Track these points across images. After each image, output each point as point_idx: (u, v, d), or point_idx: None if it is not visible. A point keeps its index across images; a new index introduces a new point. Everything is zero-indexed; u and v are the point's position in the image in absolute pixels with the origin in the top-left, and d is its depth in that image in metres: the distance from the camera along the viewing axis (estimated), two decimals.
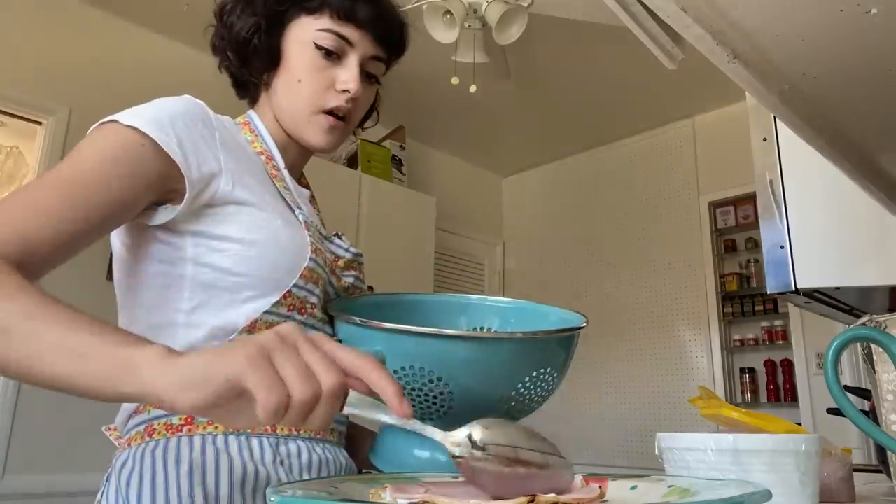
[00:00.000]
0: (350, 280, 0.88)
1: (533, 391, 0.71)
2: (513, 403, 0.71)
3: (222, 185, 0.74)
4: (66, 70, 3.09)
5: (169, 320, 0.74)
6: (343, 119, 0.84)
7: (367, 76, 0.85)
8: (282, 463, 0.73)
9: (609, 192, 4.54)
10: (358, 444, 0.90)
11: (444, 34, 2.40)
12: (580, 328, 0.75)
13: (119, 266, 0.80)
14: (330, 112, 0.83)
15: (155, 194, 0.71)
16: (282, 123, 0.85)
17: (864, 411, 0.74)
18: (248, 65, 0.85)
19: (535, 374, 0.70)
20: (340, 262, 0.87)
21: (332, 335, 0.79)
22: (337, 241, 0.89)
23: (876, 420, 0.75)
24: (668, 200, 4.25)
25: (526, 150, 4.80)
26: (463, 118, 4.28)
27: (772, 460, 0.48)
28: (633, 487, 0.47)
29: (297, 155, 0.89)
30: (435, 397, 0.68)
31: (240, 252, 0.73)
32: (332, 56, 0.82)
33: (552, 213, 4.84)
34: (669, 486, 0.45)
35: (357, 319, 0.72)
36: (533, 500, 0.37)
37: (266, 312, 0.73)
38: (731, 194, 3.95)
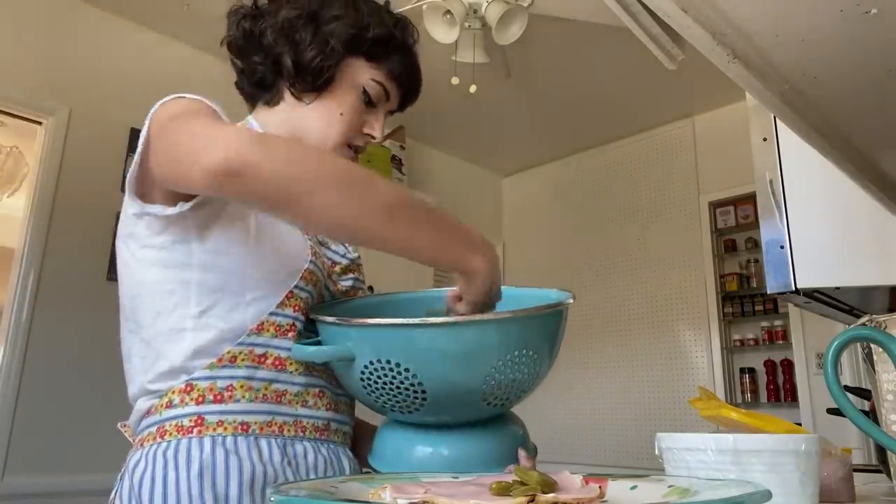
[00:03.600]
0: (348, 283, 0.92)
1: (510, 376, 0.70)
2: (488, 390, 0.70)
3: None
4: (66, 70, 3.08)
5: (178, 325, 0.76)
6: (356, 153, 0.92)
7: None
8: (289, 463, 0.76)
9: (609, 192, 4.54)
10: (361, 443, 0.91)
11: (444, 34, 2.40)
12: (552, 307, 0.74)
13: (125, 273, 0.81)
14: (351, 148, 0.90)
15: None
16: (302, 136, 0.87)
17: (864, 411, 0.74)
18: (298, 78, 0.85)
19: (507, 357, 0.69)
20: (337, 268, 0.91)
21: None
22: (333, 246, 0.92)
23: (876, 420, 0.75)
24: (668, 200, 4.24)
25: (526, 150, 4.80)
26: (463, 118, 4.28)
27: (772, 460, 0.48)
28: (633, 487, 0.47)
29: None
30: (407, 389, 0.68)
31: (243, 256, 0.76)
32: (370, 103, 0.89)
33: (552, 213, 4.84)
34: (669, 486, 0.45)
35: (328, 318, 0.73)
36: (533, 500, 0.37)
37: (272, 314, 0.77)
38: (731, 194, 3.95)
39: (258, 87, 0.90)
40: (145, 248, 0.77)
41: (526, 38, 2.53)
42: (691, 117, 4.23)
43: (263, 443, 0.75)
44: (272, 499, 0.37)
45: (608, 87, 3.89)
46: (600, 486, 0.46)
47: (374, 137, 0.90)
